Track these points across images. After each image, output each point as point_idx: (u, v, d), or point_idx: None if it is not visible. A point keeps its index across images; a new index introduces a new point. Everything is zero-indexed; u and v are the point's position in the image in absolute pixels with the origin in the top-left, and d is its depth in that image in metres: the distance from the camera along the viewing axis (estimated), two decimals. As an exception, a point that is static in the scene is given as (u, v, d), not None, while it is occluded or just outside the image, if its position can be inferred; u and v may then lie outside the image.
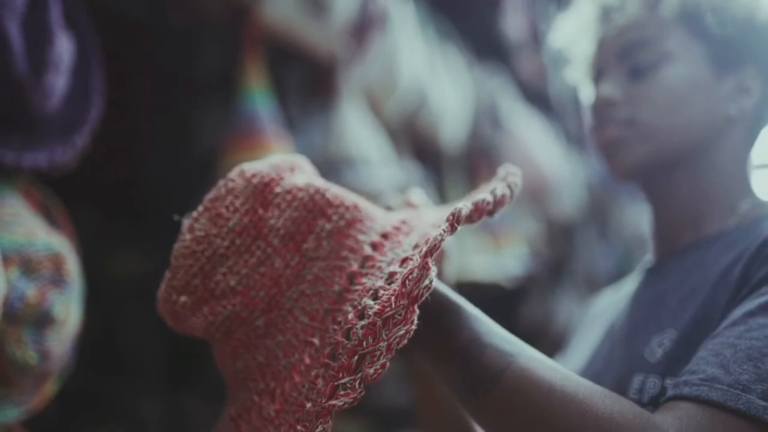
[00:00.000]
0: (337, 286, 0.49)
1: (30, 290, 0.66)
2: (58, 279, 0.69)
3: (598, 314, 0.82)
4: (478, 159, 1.75)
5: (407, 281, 0.44)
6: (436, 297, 0.51)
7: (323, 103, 1.27)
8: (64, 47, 0.74)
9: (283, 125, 1.08)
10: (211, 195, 0.51)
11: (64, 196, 0.81)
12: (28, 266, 0.67)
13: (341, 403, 0.42)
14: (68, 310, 0.71)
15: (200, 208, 0.51)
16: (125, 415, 1.31)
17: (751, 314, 0.51)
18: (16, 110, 0.71)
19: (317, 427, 0.43)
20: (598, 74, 0.74)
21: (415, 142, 1.50)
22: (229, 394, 0.54)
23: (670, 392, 0.49)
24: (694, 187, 0.70)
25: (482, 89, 1.74)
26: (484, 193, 0.50)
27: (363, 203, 0.54)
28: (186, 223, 0.51)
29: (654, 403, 0.57)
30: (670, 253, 0.70)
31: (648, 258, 0.76)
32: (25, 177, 0.75)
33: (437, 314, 0.51)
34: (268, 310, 0.50)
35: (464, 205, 0.47)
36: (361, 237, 0.52)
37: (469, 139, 1.67)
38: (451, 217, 0.46)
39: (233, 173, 0.52)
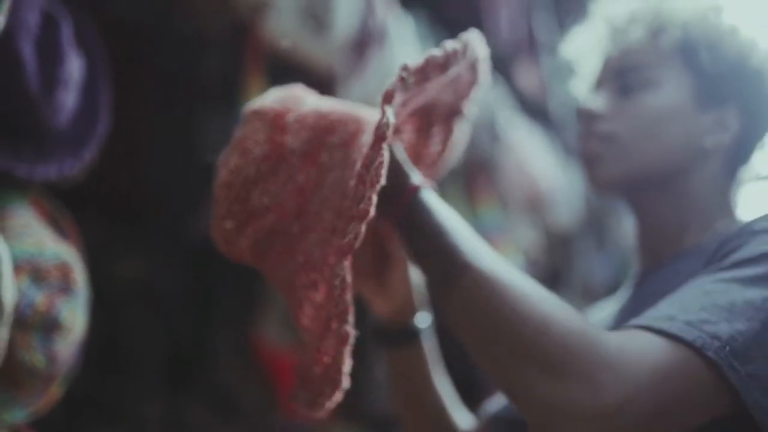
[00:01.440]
0: (351, 182, 0.57)
1: (39, 297, 0.70)
2: (65, 287, 0.73)
3: None
4: (476, 171, 1.78)
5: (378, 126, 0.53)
6: (418, 203, 0.60)
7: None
8: (74, 65, 0.78)
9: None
10: (235, 136, 0.61)
11: (70, 203, 0.84)
12: (37, 275, 0.70)
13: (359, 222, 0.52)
14: (75, 317, 0.74)
15: (228, 148, 0.61)
16: (127, 417, 1.33)
17: (692, 281, 0.57)
18: (28, 125, 0.75)
19: (350, 232, 0.52)
20: (596, 88, 0.79)
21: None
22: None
23: None
24: (671, 208, 0.73)
25: (480, 102, 1.76)
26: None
27: (365, 115, 0.62)
28: (219, 161, 0.62)
29: None
30: (652, 266, 0.74)
31: (634, 272, 0.80)
32: (35, 188, 0.78)
33: (417, 215, 0.60)
34: (299, 216, 0.60)
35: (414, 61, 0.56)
36: (363, 141, 0.60)
37: (467, 152, 1.70)
38: (401, 70, 0.55)
39: (247, 114, 0.62)
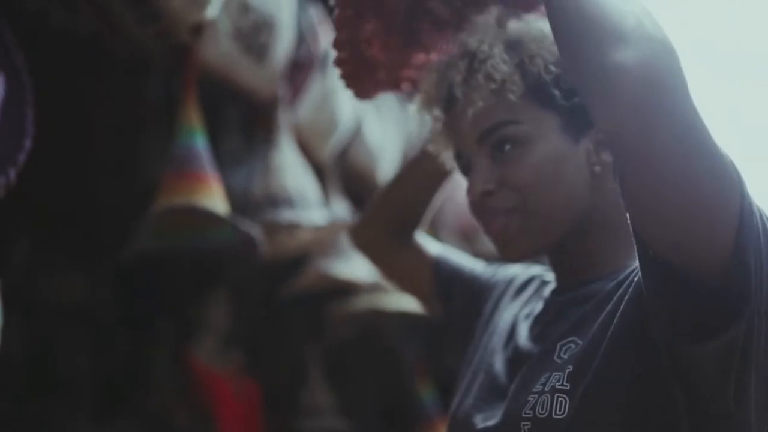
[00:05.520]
0: None
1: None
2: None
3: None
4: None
5: None
6: None
7: (262, 142, 1.31)
8: (-1, 86, 0.77)
9: (219, 164, 1.11)
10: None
11: (4, 222, 0.82)
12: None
13: None
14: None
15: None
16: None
17: None
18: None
19: None
20: (466, 163, 0.76)
21: (350, 179, 1.55)
22: None
23: None
24: (590, 244, 0.72)
25: (417, 127, 1.80)
26: None
27: None
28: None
29: (553, 392, 0.62)
30: (572, 281, 0.73)
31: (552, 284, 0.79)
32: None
33: None
34: None
35: None
36: None
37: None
38: None
39: None
